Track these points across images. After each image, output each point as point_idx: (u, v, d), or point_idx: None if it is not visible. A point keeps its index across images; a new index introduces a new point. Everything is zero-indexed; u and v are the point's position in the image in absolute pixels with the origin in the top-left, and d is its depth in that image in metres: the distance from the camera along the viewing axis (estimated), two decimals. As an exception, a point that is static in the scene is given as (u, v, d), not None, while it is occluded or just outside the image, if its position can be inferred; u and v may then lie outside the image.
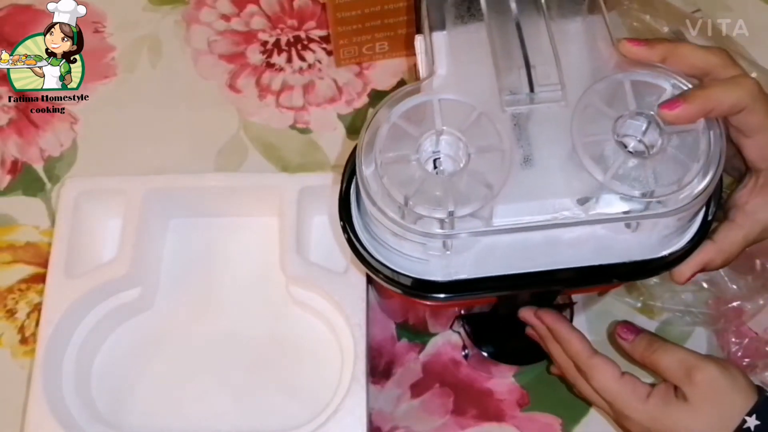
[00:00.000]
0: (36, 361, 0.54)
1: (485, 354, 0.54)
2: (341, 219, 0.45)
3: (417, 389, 0.59)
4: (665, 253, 0.43)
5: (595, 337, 0.60)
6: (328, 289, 0.56)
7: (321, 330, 0.59)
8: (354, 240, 0.45)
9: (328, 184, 0.59)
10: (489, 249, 0.43)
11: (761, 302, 0.58)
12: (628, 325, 0.50)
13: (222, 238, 0.63)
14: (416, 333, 0.61)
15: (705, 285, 0.58)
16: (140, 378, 0.59)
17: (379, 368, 0.59)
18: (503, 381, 0.59)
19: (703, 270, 0.44)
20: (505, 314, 0.52)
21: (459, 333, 0.59)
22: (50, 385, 0.54)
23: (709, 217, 0.43)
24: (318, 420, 0.52)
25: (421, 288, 0.44)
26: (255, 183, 0.61)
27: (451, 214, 0.39)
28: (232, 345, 0.59)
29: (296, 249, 0.57)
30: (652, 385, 0.47)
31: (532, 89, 0.40)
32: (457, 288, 0.44)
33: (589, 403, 0.56)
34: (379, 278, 0.45)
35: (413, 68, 0.49)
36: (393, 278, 0.44)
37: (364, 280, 0.56)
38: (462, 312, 0.54)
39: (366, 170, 0.41)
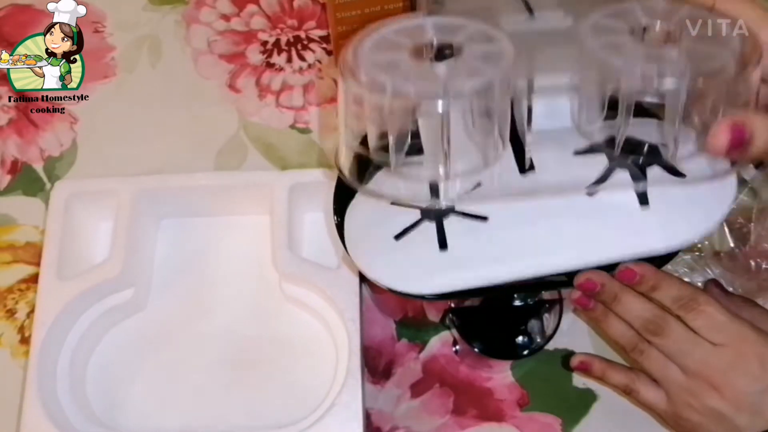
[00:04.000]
0: (30, 363, 0.54)
1: (475, 349, 0.54)
2: (335, 214, 0.46)
3: (417, 389, 0.59)
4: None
5: (594, 337, 0.60)
6: (321, 284, 0.56)
7: (315, 326, 0.59)
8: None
9: (319, 180, 0.59)
10: (487, 249, 0.43)
11: (759, 302, 0.57)
12: None
13: (214, 237, 0.63)
14: (417, 326, 0.61)
15: (701, 286, 0.58)
16: (135, 379, 0.58)
17: (379, 368, 0.59)
18: (503, 381, 0.59)
19: (741, 138, 0.38)
20: (495, 308, 0.52)
21: (449, 327, 0.59)
22: (45, 387, 0.54)
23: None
24: (314, 415, 0.52)
25: None
26: (245, 181, 0.61)
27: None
28: (226, 343, 0.59)
29: (288, 246, 0.57)
30: None
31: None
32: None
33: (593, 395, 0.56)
34: (366, 275, 0.45)
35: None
36: None
37: (357, 274, 0.56)
38: (452, 305, 0.54)
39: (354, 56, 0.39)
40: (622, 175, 0.42)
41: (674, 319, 0.45)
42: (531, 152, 0.44)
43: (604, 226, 0.43)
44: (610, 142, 0.42)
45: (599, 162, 0.43)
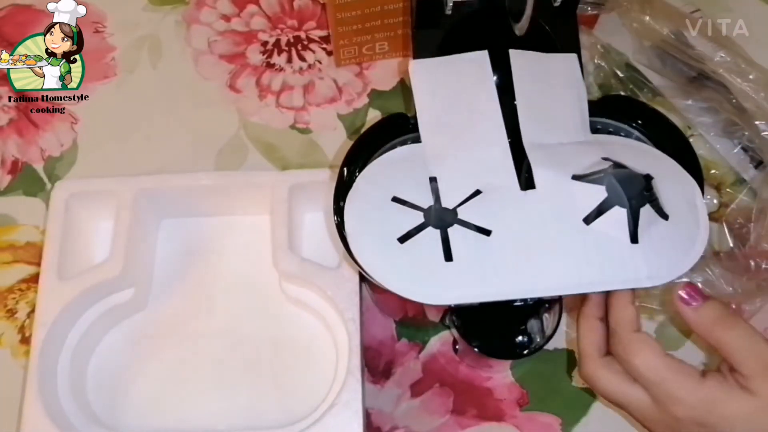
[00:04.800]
0: (30, 363, 0.54)
1: (475, 349, 0.54)
2: (335, 214, 0.46)
3: (417, 389, 0.59)
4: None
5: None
6: (321, 284, 0.56)
7: (315, 325, 0.59)
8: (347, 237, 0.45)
9: (319, 180, 0.59)
10: (491, 266, 0.44)
11: (758, 303, 0.57)
12: (693, 287, 0.44)
13: (214, 237, 0.63)
14: (417, 326, 0.61)
15: (700, 286, 0.58)
16: (136, 379, 0.59)
17: (379, 368, 0.59)
18: (503, 381, 0.59)
19: None
20: (495, 308, 0.53)
21: (449, 327, 0.59)
22: (45, 387, 0.54)
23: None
24: (314, 415, 0.52)
25: None
26: (246, 181, 0.61)
27: None
28: (226, 343, 0.59)
29: (288, 245, 0.57)
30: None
31: None
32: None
33: (593, 395, 0.57)
34: (368, 275, 0.45)
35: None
36: None
37: (357, 274, 0.56)
38: (452, 305, 0.54)
39: None
40: (617, 211, 0.44)
41: None
42: (532, 168, 0.46)
43: (598, 256, 0.44)
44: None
45: (597, 189, 0.45)
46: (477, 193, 0.46)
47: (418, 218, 0.45)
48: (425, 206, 0.45)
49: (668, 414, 0.42)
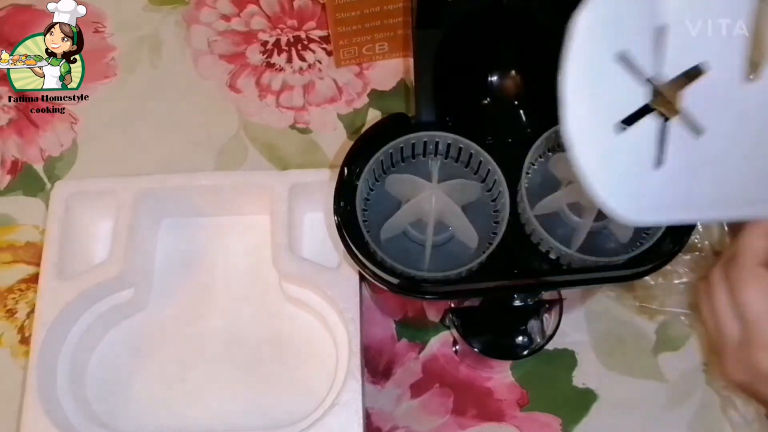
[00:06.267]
0: (30, 363, 0.54)
1: (475, 349, 0.54)
2: (335, 214, 0.46)
3: (417, 389, 0.59)
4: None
5: (594, 337, 0.60)
6: (321, 284, 0.56)
7: (315, 326, 0.59)
8: (347, 237, 0.45)
9: (319, 179, 0.59)
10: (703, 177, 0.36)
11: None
12: None
13: (214, 237, 0.63)
14: (417, 326, 0.61)
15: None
16: (135, 378, 0.59)
17: (379, 368, 0.59)
18: (503, 381, 0.59)
19: None
20: (495, 308, 0.53)
21: (449, 327, 0.59)
22: (45, 387, 0.54)
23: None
24: (314, 415, 0.52)
25: (409, 286, 0.45)
26: (246, 181, 0.61)
27: None
28: (226, 343, 0.60)
29: (288, 245, 0.57)
30: None
31: None
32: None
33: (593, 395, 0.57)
34: (368, 275, 0.45)
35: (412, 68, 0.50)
36: (383, 277, 0.45)
37: (357, 274, 0.56)
38: (452, 305, 0.55)
39: None
40: None
41: None
42: None
43: None
44: None
45: None
46: (697, 72, 0.35)
47: (640, 95, 0.35)
48: (650, 74, 0.35)
49: (750, 359, 0.40)
